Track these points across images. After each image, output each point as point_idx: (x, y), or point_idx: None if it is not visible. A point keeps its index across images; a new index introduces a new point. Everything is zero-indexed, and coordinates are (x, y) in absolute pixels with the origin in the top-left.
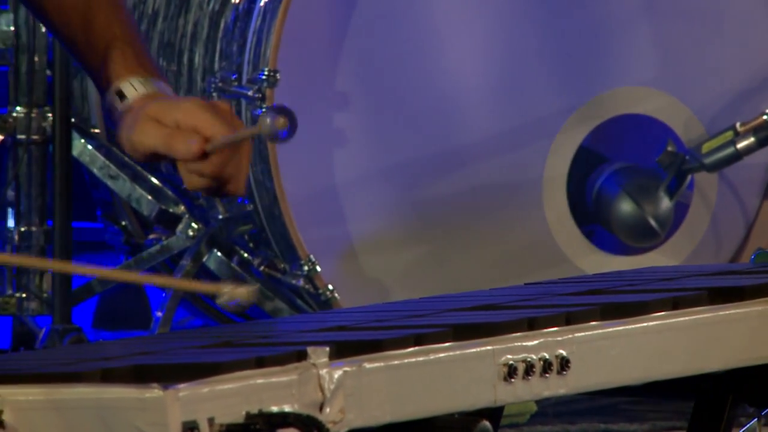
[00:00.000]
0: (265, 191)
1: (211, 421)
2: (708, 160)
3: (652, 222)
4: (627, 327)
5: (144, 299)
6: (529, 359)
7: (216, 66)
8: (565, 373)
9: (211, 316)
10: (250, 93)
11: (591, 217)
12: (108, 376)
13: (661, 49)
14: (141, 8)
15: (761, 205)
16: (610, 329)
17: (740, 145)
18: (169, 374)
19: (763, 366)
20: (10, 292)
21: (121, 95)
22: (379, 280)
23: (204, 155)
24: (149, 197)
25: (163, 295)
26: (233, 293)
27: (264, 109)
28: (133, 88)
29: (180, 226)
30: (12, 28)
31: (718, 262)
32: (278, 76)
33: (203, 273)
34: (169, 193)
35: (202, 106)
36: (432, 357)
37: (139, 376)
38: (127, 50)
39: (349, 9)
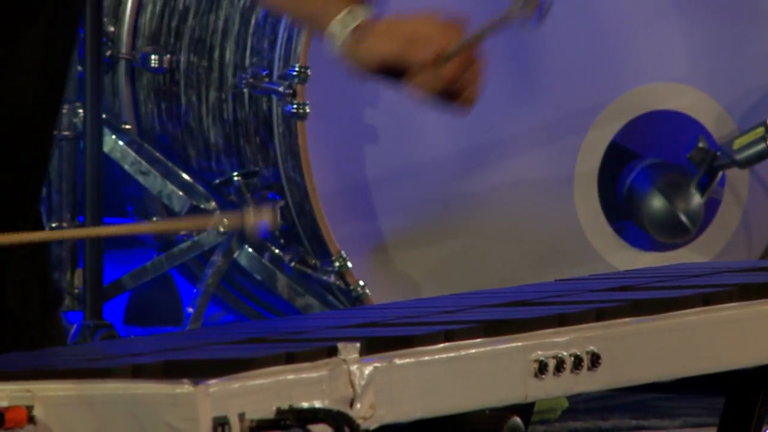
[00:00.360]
0: (296, 187)
1: (241, 416)
2: (739, 157)
3: (683, 218)
4: (658, 323)
5: (175, 295)
6: (560, 355)
7: (247, 62)
8: (596, 369)
9: (243, 313)
10: (281, 89)
11: (622, 213)
12: (139, 372)
13: (691, 44)
14: (172, 4)
15: None
16: (641, 325)
17: None
18: (199, 370)
19: None
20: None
21: (345, 23)
22: (410, 276)
23: (440, 61)
24: (180, 193)
25: (195, 291)
26: (257, 218)
27: None
28: (359, 12)
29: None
30: None
31: (749, 259)
32: (309, 72)
33: (234, 269)
34: (201, 189)
35: (435, 19)
36: (463, 353)
37: (170, 371)
38: None
39: (380, 6)
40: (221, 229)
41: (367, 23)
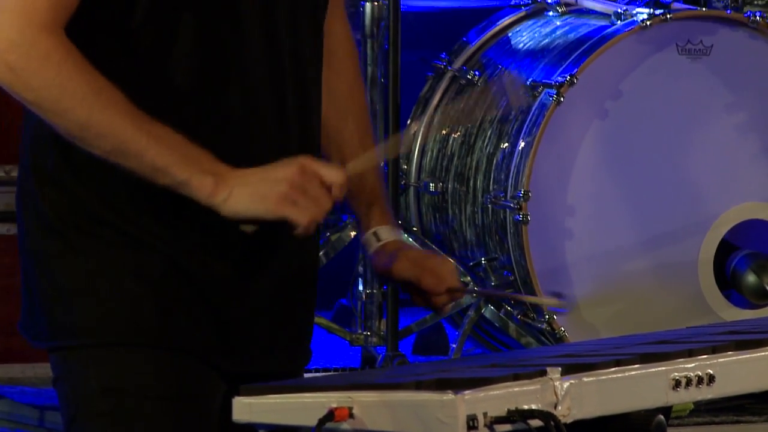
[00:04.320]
0: (521, 268)
1: (485, 414)
2: None
3: None
4: (752, 355)
5: (444, 336)
6: (688, 376)
7: (491, 188)
8: (711, 385)
9: (487, 347)
10: (512, 205)
11: (729, 284)
12: (420, 386)
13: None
14: (443, 151)
15: None
16: (741, 356)
17: None
18: (459, 384)
19: None
20: (359, 331)
21: (377, 237)
22: (594, 325)
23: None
24: None
25: (457, 333)
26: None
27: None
28: (386, 232)
29: (468, 286)
30: None
31: None
32: (530, 194)
33: (482, 319)
34: (461, 268)
35: (445, 263)
36: (626, 374)
37: (440, 385)
38: (383, 207)
39: (572, 158)
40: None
41: (394, 243)
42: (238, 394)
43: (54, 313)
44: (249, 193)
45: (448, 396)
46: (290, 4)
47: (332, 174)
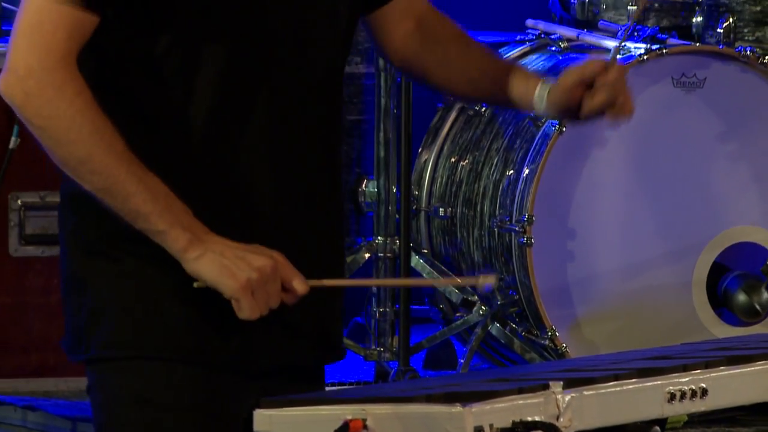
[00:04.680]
0: (526, 287)
1: (491, 426)
2: None
3: (758, 307)
4: (743, 370)
5: (453, 352)
6: (683, 389)
7: (497, 212)
8: (705, 398)
9: (493, 363)
10: (517, 228)
11: (721, 303)
12: (430, 399)
13: (761, 192)
14: (452, 178)
15: None
16: (733, 371)
17: None
18: (466, 398)
19: None
20: (373, 347)
21: (544, 89)
22: (593, 341)
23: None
24: (457, 291)
25: (465, 349)
26: (485, 280)
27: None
28: (543, 84)
29: (474, 308)
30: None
31: None
32: (534, 218)
33: (488, 336)
34: (468, 289)
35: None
36: (624, 388)
37: (449, 399)
38: (521, 69)
39: (573, 184)
40: (464, 285)
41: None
42: (259, 407)
43: (92, 328)
44: (220, 265)
45: (457, 408)
46: (309, 49)
47: (297, 283)
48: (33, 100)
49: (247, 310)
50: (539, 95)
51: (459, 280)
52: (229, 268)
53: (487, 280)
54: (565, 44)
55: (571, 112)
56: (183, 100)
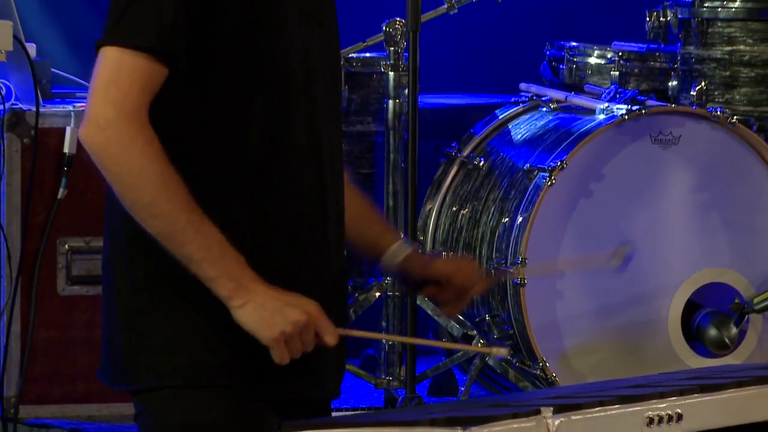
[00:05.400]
0: (520, 323)
1: None
2: (757, 307)
3: (727, 341)
4: (714, 397)
5: (454, 380)
6: (660, 414)
7: (494, 256)
8: (680, 422)
9: (491, 390)
10: (511, 270)
11: (694, 337)
12: (434, 423)
13: (730, 237)
14: (454, 225)
15: None
16: (705, 398)
17: None
18: (466, 422)
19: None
20: (383, 376)
21: (401, 249)
22: (581, 371)
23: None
24: (457, 326)
25: (465, 378)
26: (498, 351)
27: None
28: (404, 246)
29: (473, 341)
30: None
31: (762, 362)
32: (527, 261)
33: (486, 366)
34: (467, 323)
35: (471, 262)
36: (607, 413)
37: (450, 422)
38: (391, 229)
39: (562, 230)
40: (481, 352)
41: (410, 255)
42: (280, 430)
43: (141, 360)
44: (259, 317)
45: (457, 431)
46: (326, 97)
47: (329, 332)
48: (109, 148)
49: (278, 357)
50: (396, 251)
51: (474, 347)
52: (267, 320)
53: (500, 352)
54: (555, 105)
55: (409, 283)
56: (238, 141)
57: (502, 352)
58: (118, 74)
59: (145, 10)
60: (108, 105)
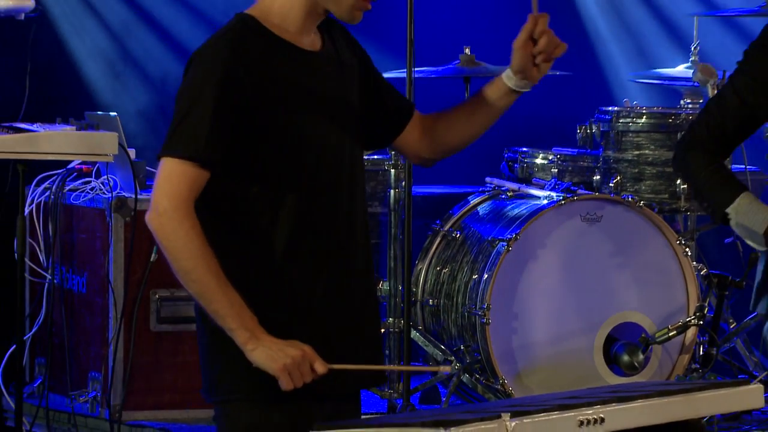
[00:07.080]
0: (485, 351)
1: None
2: (658, 340)
3: (636, 364)
4: (628, 405)
5: (438, 393)
6: (588, 418)
7: (467, 302)
8: (603, 424)
9: (465, 400)
10: (480, 313)
11: (612, 361)
12: (424, 424)
13: (639, 289)
14: (438, 279)
15: (677, 360)
16: (621, 406)
17: (671, 334)
18: (447, 423)
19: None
20: (386, 389)
21: (506, 76)
22: (530, 387)
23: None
24: (440, 353)
25: (445, 391)
26: (444, 368)
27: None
28: (507, 69)
29: (452, 365)
30: None
31: (662, 379)
32: (491, 306)
33: (461, 384)
34: (448, 351)
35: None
36: (550, 417)
37: (436, 424)
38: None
39: (516, 284)
40: (431, 371)
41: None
42: (312, 429)
43: (217, 378)
44: (267, 355)
45: (441, 430)
46: (350, 179)
47: (319, 366)
48: (164, 229)
49: (284, 384)
50: (507, 75)
51: (424, 368)
52: (272, 356)
53: (446, 369)
54: (511, 193)
55: (529, 70)
56: (268, 228)
57: (447, 369)
58: (170, 176)
59: (186, 128)
60: (164, 197)
